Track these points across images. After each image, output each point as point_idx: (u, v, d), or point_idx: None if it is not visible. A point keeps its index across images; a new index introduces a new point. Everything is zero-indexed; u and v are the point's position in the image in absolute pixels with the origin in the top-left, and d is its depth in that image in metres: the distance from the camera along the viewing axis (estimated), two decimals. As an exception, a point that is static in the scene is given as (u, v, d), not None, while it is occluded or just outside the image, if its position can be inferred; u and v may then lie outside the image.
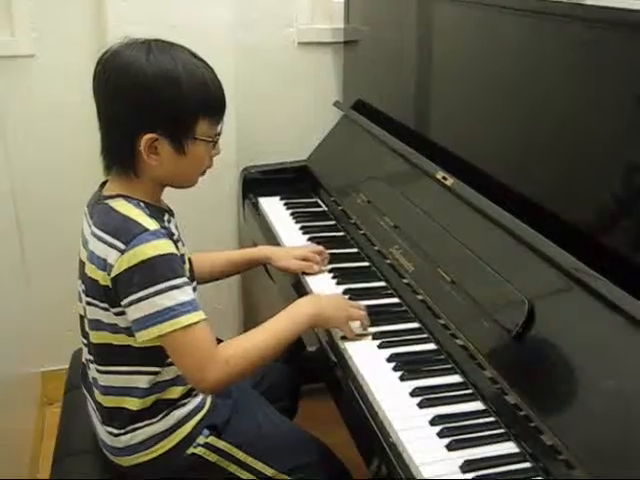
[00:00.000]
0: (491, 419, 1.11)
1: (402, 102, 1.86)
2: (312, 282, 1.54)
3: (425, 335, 1.33)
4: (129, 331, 1.18)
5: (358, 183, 1.83)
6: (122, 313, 1.17)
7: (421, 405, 1.13)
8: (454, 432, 1.07)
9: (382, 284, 1.53)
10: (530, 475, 1.00)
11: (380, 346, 1.29)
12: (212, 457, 1.29)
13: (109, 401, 1.26)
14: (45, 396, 2.28)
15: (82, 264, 1.23)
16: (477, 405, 1.14)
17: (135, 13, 1.88)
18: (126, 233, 1.14)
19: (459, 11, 1.56)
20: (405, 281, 1.46)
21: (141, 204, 1.19)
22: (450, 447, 1.04)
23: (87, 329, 1.26)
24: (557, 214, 1.22)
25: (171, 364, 1.22)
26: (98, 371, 1.26)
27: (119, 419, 1.25)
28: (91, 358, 1.27)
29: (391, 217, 1.60)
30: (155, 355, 1.20)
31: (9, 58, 2.00)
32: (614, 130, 1.11)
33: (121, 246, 1.13)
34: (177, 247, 1.20)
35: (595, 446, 0.95)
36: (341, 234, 1.80)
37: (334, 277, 1.56)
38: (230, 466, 1.30)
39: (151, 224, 1.16)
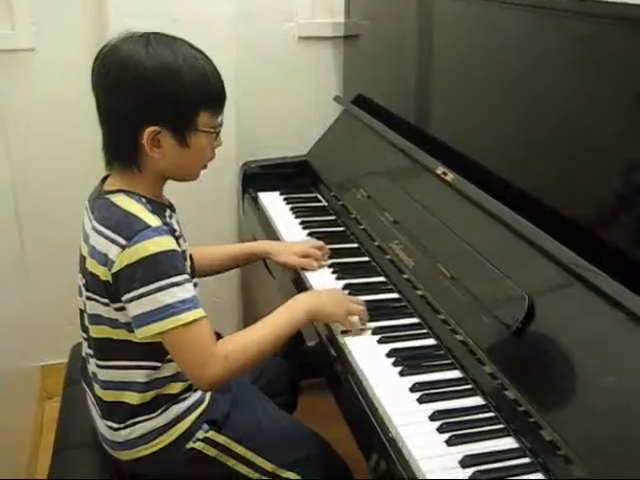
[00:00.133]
0: (491, 414, 1.11)
1: (402, 97, 1.86)
2: (312, 277, 1.54)
3: (425, 330, 1.33)
4: (129, 326, 1.18)
5: (358, 178, 1.83)
6: (122, 309, 1.17)
7: (421, 400, 1.13)
8: (454, 427, 1.07)
9: (382, 279, 1.53)
10: (529, 470, 1.00)
11: (380, 341, 1.29)
12: (211, 452, 1.29)
13: (109, 395, 1.26)
14: (44, 390, 2.28)
15: (83, 259, 1.23)
16: (477, 400, 1.14)
17: (136, 6, 1.88)
18: (127, 229, 1.14)
19: (459, 6, 1.55)
20: (405, 276, 1.46)
21: (142, 199, 1.19)
22: (450, 442, 1.04)
23: (87, 323, 1.26)
24: (557, 209, 1.22)
25: (171, 360, 1.22)
26: (98, 366, 1.26)
27: (119, 413, 1.26)
28: (91, 352, 1.27)
29: (391, 212, 1.60)
30: (155, 351, 1.20)
31: (9, 52, 2.00)
32: (614, 125, 1.11)
33: (122, 242, 1.13)
34: (179, 243, 1.20)
35: (594, 442, 0.95)
36: (341, 229, 1.80)
37: (334, 272, 1.56)
38: (229, 460, 1.30)
39: (153, 220, 1.15)
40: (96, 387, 1.28)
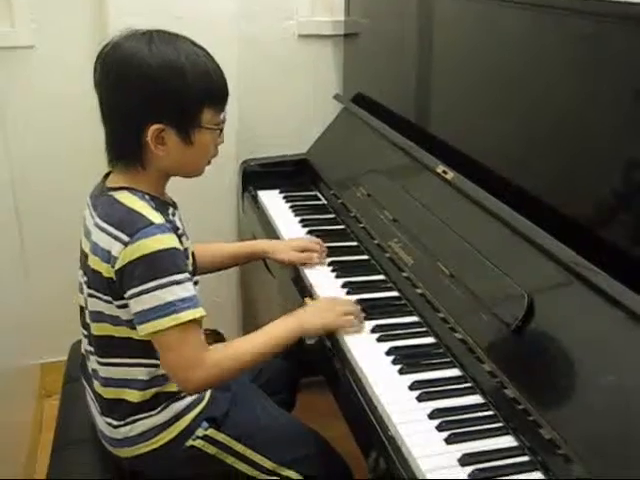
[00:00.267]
0: (490, 413, 1.11)
1: (402, 95, 1.86)
2: (311, 275, 1.54)
3: (424, 329, 1.33)
4: (130, 324, 1.18)
5: (358, 176, 1.82)
6: (124, 306, 1.18)
7: (420, 398, 1.13)
8: (453, 425, 1.07)
9: (381, 277, 1.53)
10: (528, 469, 1.00)
11: (379, 339, 1.29)
12: (211, 449, 1.29)
13: (109, 392, 1.26)
14: (44, 388, 2.28)
15: (84, 255, 1.23)
16: (476, 399, 1.14)
17: (136, 4, 1.87)
18: (130, 225, 1.14)
19: (459, 4, 1.55)
20: (404, 275, 1.46)
21: (146, 197, 1.20)
22: (449, 440, 1.04)
23: (88, 320, 1.26)
24: (557, 208, 1.22)
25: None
26: (98, 363, 1.26)
27: (119, 410, 1.26)
28: (91, 349, 1.27)
29: (391, 211, 1.60)
30: (156, 348, 1.20)
31: (9, 49, 2.00)
32: (614, 124, 1.11)
33: (125, 238, 1.13)
34: (181, 241, 1.20)
35: (594, 441, 0.95)
36: (341, 227, 1.80)
37: (333, 270, 1.56)
38: (228, 458, 1.30)
39: (156, 217, 1.16)
40: (96, 384, 1.28)
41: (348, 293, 1.45)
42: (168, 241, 1.15)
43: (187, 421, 1.27)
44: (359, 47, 2.14)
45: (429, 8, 1.72)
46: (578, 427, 0.97)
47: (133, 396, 1.24)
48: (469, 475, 0.98)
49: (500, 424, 1.08)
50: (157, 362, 1.22)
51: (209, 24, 1.91)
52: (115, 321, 1.20)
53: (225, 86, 1.22)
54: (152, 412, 1.25)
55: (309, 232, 1.76)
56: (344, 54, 2.23)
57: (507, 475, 0.99)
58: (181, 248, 1.18)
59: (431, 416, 1.09)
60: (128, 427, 1.25)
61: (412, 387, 1.16)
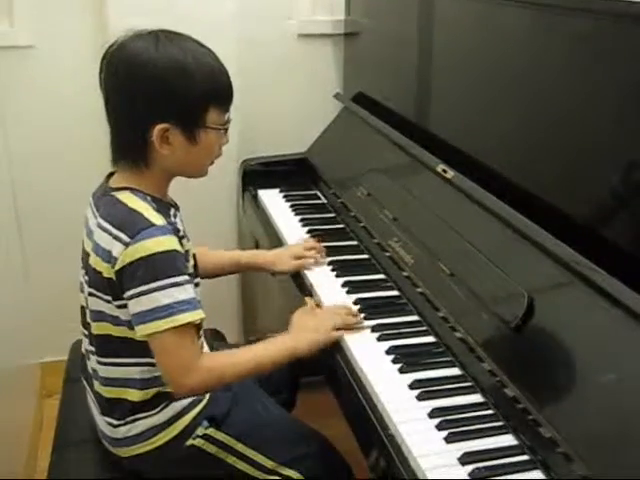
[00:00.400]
0: (490, 412, 1.11)
1: (403, 95, 1.86)
2: (311, 275, 1.54)
3: (424, 328, 1.33)
4: (130, 324, 1.18)
5: (358, 176, 1.82)
6: (124, 306, 1.18)
7: (420, 397, 1.13)
8: (453, 424, 1.07)
9: (381, 277, 1.53)
10: (528, 468, 1.00)
11: (379, 339, 1.29)
12: (211, 449, 1.29)
13: (109, 392, 1.26)
14: (44, 388, 2.28)
15: (86, 255, 1.23)
16: (476, 398, 1.14)
17: (136, 4, 1.87)
18: (132, 226, 1.14)
19: (460, 3, 1.55)
20: (404, 274, 1.46)
21: (148, 198, 1.20)
22: (449, 439, 1.04)
23: (88, 320, 1.26)
24: (557, 207, 1.22)
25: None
26: (99, 362, 1.26)
27: (119, 410, 1.26)
28: (92, 349, 1.27)
29: (391, 210, 1.60)
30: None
31: (8, 49, 2.00)
32: (615, 123, 1.11)
33: (126, 239, 1.14)
34: (182, 243, 1.20)
35: (594, 440, 0.95)
36: (341, 226, 1.80)
37: (333, 270, 1.56)
38: (229, 458, 1.30)
39: (157, 219, 1.16)
40: (96, 384, 1.28)
41: (348, 292, 1.45)
42: (168, 243, 1.15)
43: (187, 420, 1.27)
44: (359, 46, 2.14)
45: (429, 7, 1.72)
46: (578, 426, 0.96)
47: (133, 395, 1.24)
48: (469, 474, 0.98)
49: (500, 423, 1.08)
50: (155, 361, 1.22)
51: (209, 24, 1.90)
52: (115, 321, 1.20)
53: (230, 86, 1.22)
54: (152, 411, 1.25)
55: (309, 231, 1.76)
56: (344, 53, 2.24)
57: (507, 474, 0.98)
58: (181, 250, 1.18)
59: (431, 415, 1.09)
60: (128, 426, 1.25)
61: (412, 386, 1.16)
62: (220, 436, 1.29)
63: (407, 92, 1.84)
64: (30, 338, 2.18)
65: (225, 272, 1.61)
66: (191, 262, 1.27)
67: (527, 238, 1.21)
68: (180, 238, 1.21)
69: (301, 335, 1.30)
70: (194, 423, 1.28)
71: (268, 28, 2.17)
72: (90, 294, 1.23)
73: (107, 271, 1.17)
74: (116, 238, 1.15)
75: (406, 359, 1.23)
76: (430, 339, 1.30)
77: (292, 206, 1.93)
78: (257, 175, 2.10)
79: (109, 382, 1.26)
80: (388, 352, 1.25)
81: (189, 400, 1.27)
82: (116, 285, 1.16)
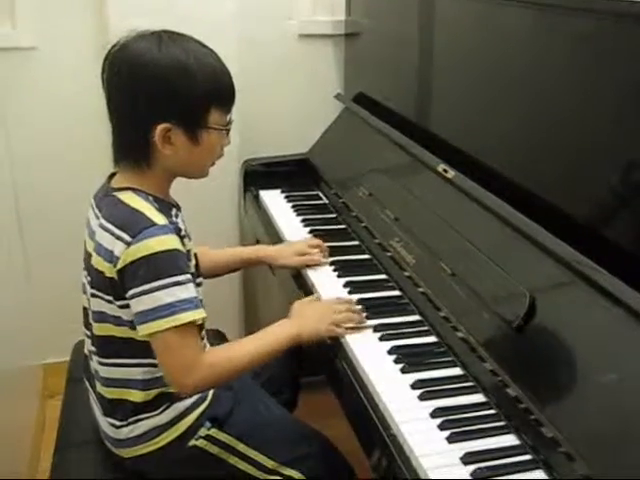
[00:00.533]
0: (492, 411, 1.11)
1: (404, 95, 1.86)
2: (313, 275, 1.54)
3: (426, 328, 1.33)
4: (132, 324, 1.18)
5: (359, 176, 1.83)
6: (126, 306, 1.18)
7: (422, 397, 1.13)
8: (455, 424, 1.07)
9: (383, 277, 1.53)
10: (530, 467, 1.00)
11: (381, 338, 1.29)
12: (213, 449, 1.29)
13: (111, 393, 1.26)
14: (46, 389, 2.29)
15: (88, 255, 1.23)
16: (478, 398, 1.14)
17: (137, 5, 1.87)
18: (133, 226, 1.14)
19: (460, 3, 1.55)
20: (406, 274, 1.46)
21: (150, 198, 1.20)
22: (450, 439, 1.04)
23: (90, 321, 1.26)
24: (558, 207, 1.22)
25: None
26: (100, 363, 1.26)
27: (121, 411, 1.26)
28: (93, 350, 1.28)
29: (392, 210, 1.60)
30: (156, 349, 1.20)
31: (11, 50, 2.00)
32: (616, 123, 1.11)
33: (128, 238, 1.14)
34: (183, 243, 1.20)
35: (596, 439, 0.95)
36: (342, 227, 1.80)
37: (335, 270, 1.56)
38: (231, 458, 1.30)
39: (160, 219, 1.16)
40: (98, 384, 1.29)
41: (350, 292, 1.45)
42: (170, 242, 1.15)
43: (190, 421, 1.27)
44: (360, 47, 2.14)
45: (430, 7, 1.72)
46: (580, 425, 0.96)
47: (136, 396, 1.24)
48: (471, 474, 0.98)
49: (502, 423, 1.08)
50: (156, 362, 1.22)
51: (210, 24, 1.90)
52: (117, 321, 1.21)
53: (232, 87, 1.23)
54: (154, 412, 1.25)
55: (311, 232, 1.76)
56: (345, 54, 2.24)
57: (509, 474, 0.98)
58: (183, 250, 1.18)
59: (433, 415, 1.09)
60: (130, 427, 1.25)
61: (414, 386, 1.16)
62: (222, 437, 1.30)
63: (408, 92, 1.84)
64: (32, 339, 2.18)
65: (227, 269, 1.61)
66: (193, 262, 1.27)
67: (528, 238, 1.21)
68: (182, 238, 1.21)
69: (304, 322, 1.31)
70: (197, 424, 1.28)
71: (269, 28, 2.17)
72: (92, 295, 1.23)
73: (109, 271, 1.17)
74: (118, 238, 1.15)
75: (408, 359, 1.23)
76: (432, 339, 1.30)
77: (293, 206, 1.93)
78: (258, 176, 2.10)
79: (111, 383, 1.26)
80: (390, 352, 1.25)
81: (191, 400, 1.27)
82: (118, 285, 1.17)
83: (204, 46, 1.21)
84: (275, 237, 1.79)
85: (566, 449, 0.95)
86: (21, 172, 2.09)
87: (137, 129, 1.17)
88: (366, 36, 2.09)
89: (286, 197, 2.00)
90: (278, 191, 2.04)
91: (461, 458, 1.00)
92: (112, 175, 1.26)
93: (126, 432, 1.26)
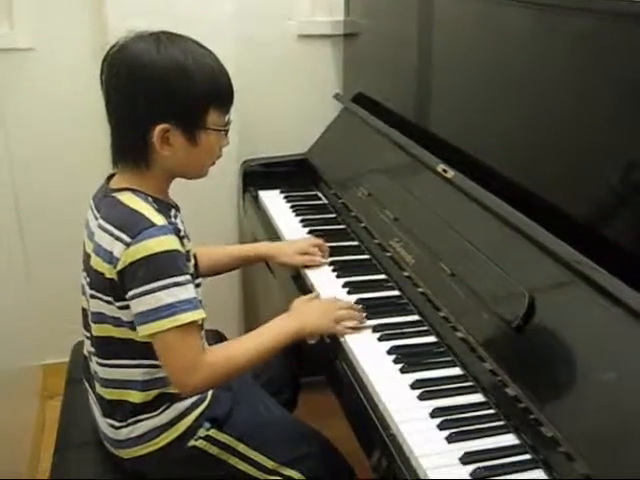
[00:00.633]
0: (491, 411, 1.11)
1: (403, 95, 1.86)
2: (312, 275, 1.54)
3: (425, 327, 1.33)
4: (131, 325, 1.18)
5: (358, 176, 1.82)
6: (126, 307, 1.18)
7: (421, 397, 1.13)
8: (454, 424, 1.07)
9: (382, 277, 1.53)
10: (530, 467, 1.00)
11: (380, 339, 1.29)
12: (213, 450, 1.29)
13: (110, 394, 1.26)
14: (46, 390, 2.28)
15: (87, 257, 1.23)
16: (477, 397, 1.14)
17: (135, 5, 1.87)
18: (132, 227, 1.14)
19: (459, 3, 1.55)
20: (405, 274, 1.46)
21: (149, 198, 1.20)
22: (450, 439, 1.04)
23: (90, 322, 1.26)
24: (558, 206, 1.22)
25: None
26: (99, 364, 1.26)
27: (121, 412, 1.26)
28: (93, 351, 1.28)
29: (392, 210, 1.60)
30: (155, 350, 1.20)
31: (8, 51, 2.00)
32: (615, 122, 1.11)
33: (127, 239, 1.14)
34: (183, 243, 1.20)
35: (595, 438, 0.95)
36: (341, 227, 1.80)
37: (334, 270, 1.56)
38: (231, 458, 1.30)
39: (159, 219, 1.16)
40: (97, 385, 1.29)
41: (349, 293, 1.45)
42: (170, 243, 1.15)
43: (189, 421, 1.27)
44: (359, 47, 2.14)
45: (428, 7, 1.72)
46: (579, 425, 0.96)
47: (135, 397, 1.24)
48: (470, 474, 0.98)
49: (501, 422, 1.08)
50: (157, 363, 1.22)
51: (208, 25, 1.90)
52: (116, 322, 1.21)
53: (231, 88, 1.23)
54: (154, 413, 1.25)
55: (310, 232, 1.76)
56: (344, 54, 2.24)
57: (508, 473, 0.98)
58: (183, 250, 1.18)
59: (432, 415, 1.09)
60: (130, 428, 1.25)
61: (413, 386, 1.16)
62: (222, 437, 1.29)
63: (407, 92, 1.84)
64: (32, 340, 2.18)
65: (227, 267, 1.61)
66: (192, 262, 1.27)
67: (528, 237, 1.21)
68: (181, 238, 1.21)
69: (306, 317, 1.31)
70: (196, 424, 1.28)
71: (267, 29, 2.17)
72: (91, 296, 1.23)
73: (109, 272, 1.17)
74: (117, 239, 1.15)
75: (407, 359, 1.23)
76: (431, 339, 1.30)
77: (293, 207, 1.93)
78: (257, 176, 2.10)
79: (110, 384, 1.26)
80: (389, 352, 1.25)
81: (191, 401, 1.27)
82: (118, 286, 1.17)
83: (202, 47, 1.21)
84: (274, 237, 1.79)
85: (566, 449, 0.95)
86: (20, 172, 2.09)
87: (135, 130, 1.17)
88: (365, 36, 2.09)
89: (285, 197, 2.00)
90: (277, 191, 2.04)
91: (460, 458, 1.00)
92: (111, 176, 1.26)
93: (125, 433, 1.26)
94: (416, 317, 1.37)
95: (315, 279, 1.52)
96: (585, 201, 1.18)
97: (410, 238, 1.49)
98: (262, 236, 1.86)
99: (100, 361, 1.26)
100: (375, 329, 1.32)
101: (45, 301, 2.18)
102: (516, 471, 0.99)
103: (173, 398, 1.26)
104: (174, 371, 1.18)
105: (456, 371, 1.21)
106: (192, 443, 1.28)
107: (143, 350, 1.20)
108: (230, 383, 1.33)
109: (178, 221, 1.26)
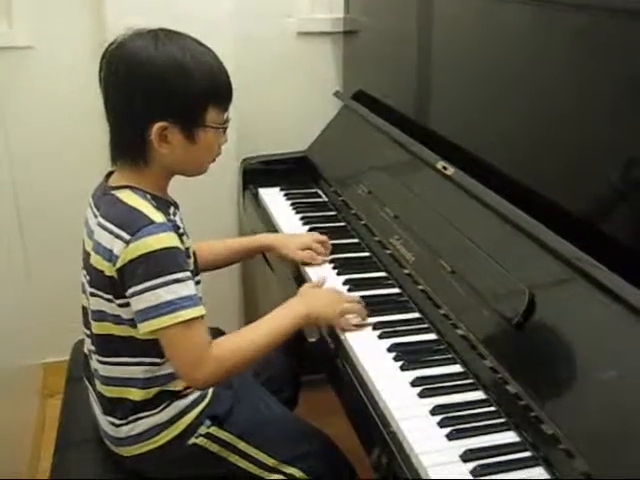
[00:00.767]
0: (491, 409, 1.11)
1: (402, 92, 1.86)
2: (312, 272, 1.54)
3: (426, 325, 1.33)
4: (132, 322, 1.18)
5: (358, 173, 1.82)
6: (126, 305, 1.18)
7: (422, 395, 1.13)
8: (454, 422, 1.07)
9: (382, 274, 1.53)
10: (530, 464, 1.00)
11: (380, 336, 1.29)
12: (213, 447, 1.29)
13: (111, 391, 1.26)
14: (46, 388, 2.29)
15: (87, 255, 1.23)
16: (478, 395, 1.14)
17: (134, 3, 1.87)
18: (132, 224, 1.14)
19: (459, 0, 1.55)
20: (405, 271, 1.46)
21: (148, 196, 1.20)
22: (450, 437, 1.04)
23: (90, 320, 1.26)
24: (558, 203, 1.22)
25: (172, 358, 1.22)
26: (99, 362, 1.26)
27: (121, 409, 1.26)
28: (93, 349, 1.28)
29: (392, 207, 1.60)
30: (156, 348, 1.20)
31: (7, 49, 2.00)
32: (615, 119, 1.11)
33: (126, 237, 1.14)
34: (182, 240, 1.20)
35: (596, 436, 0.95)
36: (341, 224, 1.80)
37: (334, 267, 1.55)
38: (231, 456, 1.30)
39: (157, 216, 1.16)
40: (98, 383, 1.29)
41: (349, 290, 1.45)
42: (169, 240, 1.15)
43: (190, 419, 1.27)
44: (359, 44, 2.14)
45: (428, 4, 1.72)
46: (580, 422, 0.96)
47: (135, 395, 1.24)
48: (471, 471, 0.98)
49: (502, 420, 1.08)
50: (157, 361, 1.22)
51: (207, 22, 1.90)
52: (117, 320, 1.21)
53: (230, 85, 1.22)
54: (154, 411, 1.25)
55: (310, 229, 1.76)
56: (344, 51, 2.24)
57: (509, 471, 0.98)
58: (182, 247, 1.18)
59: (433, 412, 1.09)
60: (130, 426, 1.25)
61: (414, 383, 1.16)
62: (222, 435, 1.30)
63: (407, 89, 1.83)
64: (32, 338, 2.18)
65: (228, 260, 1.60)
66: (192, 259, 1.27)
67: (528, 234, 1.21)
68: (180, 235, 1.21)
69: (313, 302, 1.31)
70: (196, 422, 1.28)
71: (267, 26, 2.17)
72: (91, 294, 1.23)
73: (108, 270, 1.17)
74: (117, 236, 1.15)
75: (407, 356, 1.23)
76: (431, 336, 1.30)
77: (293, 204, 1.93)
78: (257, 173, 2.10)
79: (110, 381, 1.26)
80: (389, 350, 1.25)
81: (191, 399, 1.27)
82: (118, 283, 1.17)
83: (201, 44, 1.21)
84: (275, 235, 1.79)
85: (566, 446, 0.95)
86: (20, 171, 2.09)
87: (134, 127, 1.17)
88: (365, 33, 2.09)
89: (285, 195, 2.00)
90: (277, 189, 2.04)
91: (461, 455, 1.00)
92: (110, 173, 1.26)
93: (126, 431, 1.26)
94: (416, 314, 1.37)
95: (315, 276, 1.52)
96: (585, 198, 1.18)
97: (410, 235, 1.49)
98: (262, 233, 1.86)
99: (100, 359, 1.26)
100: (375, 327, 1.32)
101: (45, 299, 2.18)
102: (516, 469, 0.99)
103: (173, 396, 1.26)
104: (181, 367, 1.19)
105: (456, 368, 1.21)
106: (192, 441, 1.28)
107: (143, 348, 1.20)
108: (231, 381, 1.33)
109: (177, 218, 1.26)
